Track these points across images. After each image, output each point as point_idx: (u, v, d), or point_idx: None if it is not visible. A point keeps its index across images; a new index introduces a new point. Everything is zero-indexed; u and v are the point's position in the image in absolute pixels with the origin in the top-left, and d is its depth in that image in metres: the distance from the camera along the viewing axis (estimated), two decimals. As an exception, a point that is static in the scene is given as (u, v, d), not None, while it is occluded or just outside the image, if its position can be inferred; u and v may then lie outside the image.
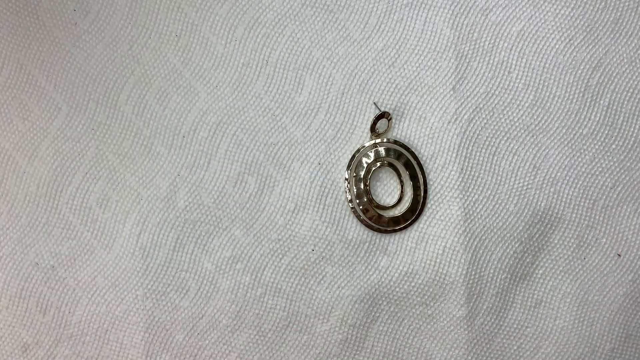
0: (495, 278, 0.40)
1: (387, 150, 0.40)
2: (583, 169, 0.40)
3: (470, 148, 0.40)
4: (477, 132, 0.40)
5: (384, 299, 0.40)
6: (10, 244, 0.40)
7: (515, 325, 0.40)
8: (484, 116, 0.40)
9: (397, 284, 0.40)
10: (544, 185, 0.40)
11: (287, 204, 0.40)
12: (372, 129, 0.39)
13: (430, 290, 0.40)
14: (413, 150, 0.40)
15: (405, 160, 0.40)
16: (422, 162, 0.40)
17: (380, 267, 0.40)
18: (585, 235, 0.40)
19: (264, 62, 0.40)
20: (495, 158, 0.40)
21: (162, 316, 0.40)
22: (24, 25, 0.40)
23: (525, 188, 0.40)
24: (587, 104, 0.40)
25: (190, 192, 0.40)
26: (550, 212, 0.40)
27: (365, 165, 0.40)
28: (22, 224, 0.40)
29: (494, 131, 0.40)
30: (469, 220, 0.40)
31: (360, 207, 0.40)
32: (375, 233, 0.40)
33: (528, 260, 0.40)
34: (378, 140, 0.40)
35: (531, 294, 0.40)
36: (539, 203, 0.40)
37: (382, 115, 0.39)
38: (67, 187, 0.40)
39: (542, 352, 0.40)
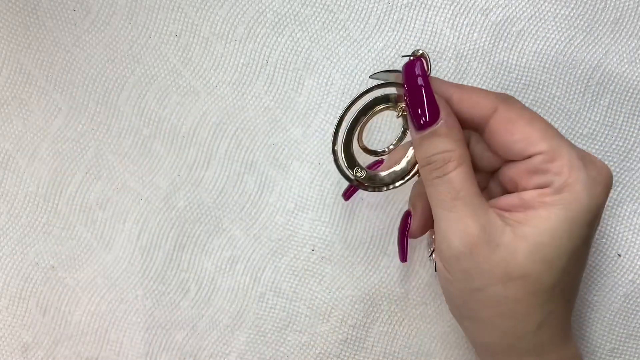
0: (495, 278, 0.40)
1: None
2: (583, 169, 0.40)
3: (470, 148, 0.40)
4: (477, 132, 0.40)
5: (384, 299, 0.40)
6: (10, 244, 0.40)
7: (515, 325, 0.40)
8: (484, 116, 0.40)
9: (397, 284, 0.40)
10: (544, 185, 0.40)
11: (286, 204, 0.40)
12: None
13: (430, 290, 0.40)
14: None
15: None
16: None
17: (380, 267, 0.40)
18: (585, 235, 0.40)
19: (264, 62, 0.40)
20: (495, 158, 0.40)
21: (162, 316, 0.40)
22: (24, 25, 0.40)
23: (525, 188, 0.40)
24: (587, 104, 0.40)
25: (190, 192, 0.40)
26: (550, 212, 0.40)
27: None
28: (22, 224, 0.40)
29: (494, 131, 0.40)
30: (469, 220, 0.40)
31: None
32: (376, 233, 0.40)
33: (528, 260, 0.40)
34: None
35: (531, 294, 0.40)
36: (539, 203, 0.40)
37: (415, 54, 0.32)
38: (67, 187, 0.40)
39: (542, 352, 0.40)
